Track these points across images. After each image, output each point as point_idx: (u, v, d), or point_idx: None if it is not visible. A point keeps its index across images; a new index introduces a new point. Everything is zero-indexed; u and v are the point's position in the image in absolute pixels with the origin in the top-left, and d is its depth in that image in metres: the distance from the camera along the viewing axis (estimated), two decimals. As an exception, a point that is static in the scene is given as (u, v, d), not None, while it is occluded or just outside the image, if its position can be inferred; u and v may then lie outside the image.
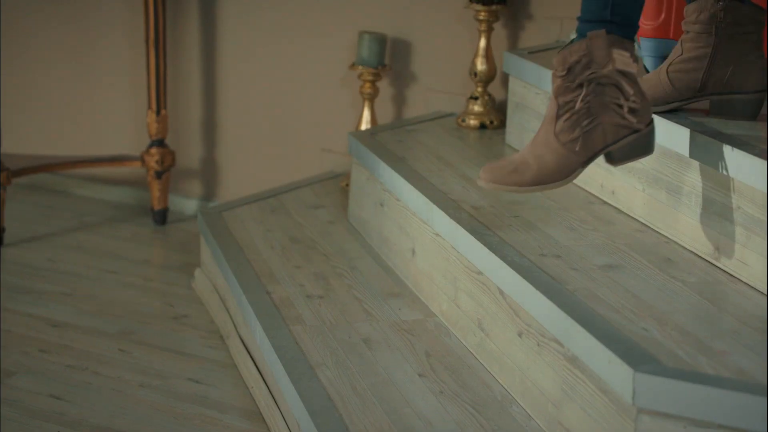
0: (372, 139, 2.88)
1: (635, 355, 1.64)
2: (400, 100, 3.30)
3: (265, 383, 2.34)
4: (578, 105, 1.95)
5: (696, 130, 2.02)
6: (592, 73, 1.95)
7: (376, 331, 2.29)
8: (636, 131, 1.97)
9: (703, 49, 2.09)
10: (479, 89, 3.05)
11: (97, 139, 3.71)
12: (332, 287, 2.51)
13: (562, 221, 2.25)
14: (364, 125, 3.18)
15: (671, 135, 2.07)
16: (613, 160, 2.00)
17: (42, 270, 3.09)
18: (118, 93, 3.66)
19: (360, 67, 3.15)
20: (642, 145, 1.98)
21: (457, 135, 2.97)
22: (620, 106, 1.95)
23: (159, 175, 3.43)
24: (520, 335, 1.99)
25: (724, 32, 2.08)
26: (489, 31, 3.02)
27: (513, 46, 3.13)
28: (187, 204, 3.61)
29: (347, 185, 3.19)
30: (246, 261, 2.66)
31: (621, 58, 1.94)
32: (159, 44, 3.33)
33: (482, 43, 3.02)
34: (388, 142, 2.85)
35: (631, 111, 1.96)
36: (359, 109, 3.32)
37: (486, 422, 1.93)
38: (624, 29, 1.95)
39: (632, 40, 1.98)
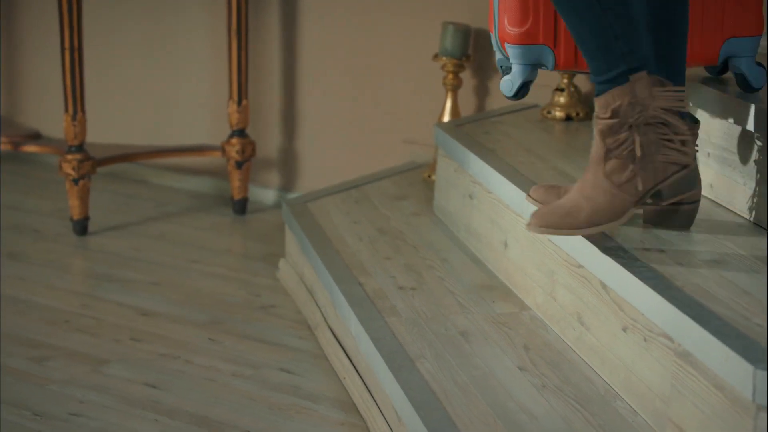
0: (459, 130, 2.87)
1: (754, 351, 1.62)
2: (482, 92, 3.29)
3: (359, 375, 2.34)
4: (634, 147, 1.95)
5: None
6: (639, 117, 1.95)
7: (472, 324, 2.28)
8: (685, 166, 1.99)
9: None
10: (565, 81, 3.03)
11: (177, 129, 3.73)
12: (424, 279, 2.51)
13: (660, 215, 2.22)
14: (447, 116, 3.17)
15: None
16: (662, 198, 2.02)
17: (127, 259, 3.11)
18: (199, 83, 3.68)
19: (443, 58, 3.14)
20: (690, 180, 2.01)
21: (542, 127, 2.95)
22: (670, 141, 1.97)
23: (239, 165, 3.44)
24: (624, 330, 1.97)
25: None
26: (576, 23, 3.00)
27: (599, 38, 3.10)
28: (265, 194, 3.62)
29: (430, 176, 3.19)
30: (335, 252, 2.66)
31: (664, 95, 1.95)
32: (241, 34, 3.34)
33: (569, 34, 3.00)
34: (475, 133, 2.84)
35: (682, 144, 1.98)
36: (441, 100, 3.31)
37: (591, 417, 1.91)
38: (650, 67, 1.96)
39: (673, 82, 1.98)
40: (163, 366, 2.48)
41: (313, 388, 2.40)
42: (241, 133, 3.44)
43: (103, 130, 3.74)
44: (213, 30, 3.60)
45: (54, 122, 3.80)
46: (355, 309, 2.33)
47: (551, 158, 2.63)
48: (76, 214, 3.26)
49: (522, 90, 2.22)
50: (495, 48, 2.29)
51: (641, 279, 1.89)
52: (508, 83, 2.22)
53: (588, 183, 1.99)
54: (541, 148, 2.73)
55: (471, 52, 3.23)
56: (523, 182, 2.41)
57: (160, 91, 3.74)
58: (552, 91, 3.06)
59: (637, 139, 1.96)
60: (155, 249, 3.18)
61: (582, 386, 2.02)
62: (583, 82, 3.09)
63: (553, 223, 1.98)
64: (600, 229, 1.98)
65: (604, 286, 2.04)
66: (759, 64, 2.23)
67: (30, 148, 3.53)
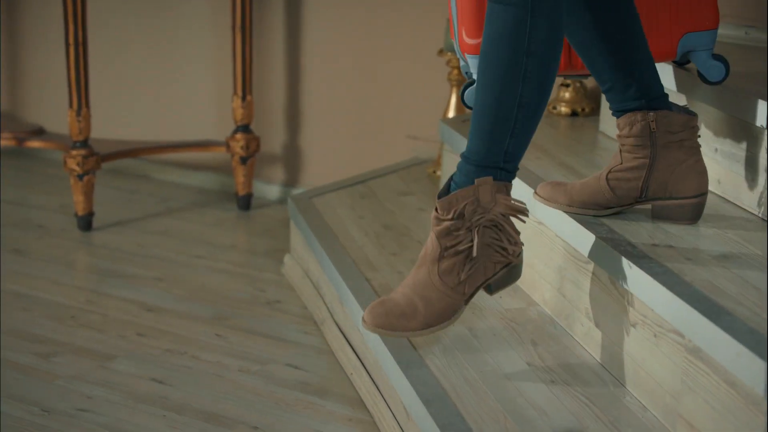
0: (464, 126, 2.86)
1: (765, 347, 1.62)
2: (487, 87, 3.28)
3: (366, 371, 2.34)
4: (472, 250, 1.97)
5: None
6: (479, 218, 1.98)
7: (480, 320, 2.28)
8: (508, 264, 2.02)
9: (641, 159, 2.12)
10: (571, 76, 3.03)
11: (182, 125, 3.72)
12: (430, 275, 2.50)
13: (668, 211, 2.22)
14: (452, 112, 3.17)
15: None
16: (490, 291, 2.04)
17: (132, 254, 3.11)
18: (204, 78, 3.67)
19: (448, 54, 3.14)
20: (514, 273, 2.04)
21: (548, 122, 2.95)
22: (503, 248, 2.00)
23: (244, 160, 3.44)
24: (634, 326, 1.97)
25: (659, 141, 2.11)
26: (581, 18, 2.99)
27: (604, 33, 3.09)
28: (269, 189, 3.62)
29: (434, 172, 3.18)
30: (341, 248, 2.66)
31: (505, 203, 1.99)
32: (246, 30, 3.34)
33: (574, 29, 3.00)
34: (481, 129, 2.83)
35: (513, 243, 2.01)
36: (446, 96, 3.31)
37: (601, 413, 1.91)
38: (511, 174, 2.00)
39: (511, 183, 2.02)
40: (169, 362, 2.48)
41: (320, 383, 2.40)
42: (245, 128, 3.43)
43: (107, 126, 3.74)
44: (217, 25, 3.60)
45: (57, 117, 3.80)
46: (363, 305, 2.32)
47: (558, 154, 2.63)
48: (81, 210, 3.26)
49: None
50: (458, 56, 2.30)
51: (651, 275, 1.89)
52: (472, 95, 2.23)
53: (421, 281, 1.99)
54: (548, 144, 2.72)
55: (476, 47, 3.22)
56: (530, 178, 2.41)
57: (165, 86, 3.74)
58: (557, 86, 3.06)
59: (477, 239, 1.97)
60: (160, 244, 3.18)
61: (591, 382, 2.02)
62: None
63: (387, 324, 1.98)
64: (434, 331, 2.00)
65: (613, 282, 2.04)
66: (717, 57, 2.24)
67: (34, 143, 3.52)
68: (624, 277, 1.97)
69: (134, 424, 2.21)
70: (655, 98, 2.12)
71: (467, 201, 1.96)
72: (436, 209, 1.98)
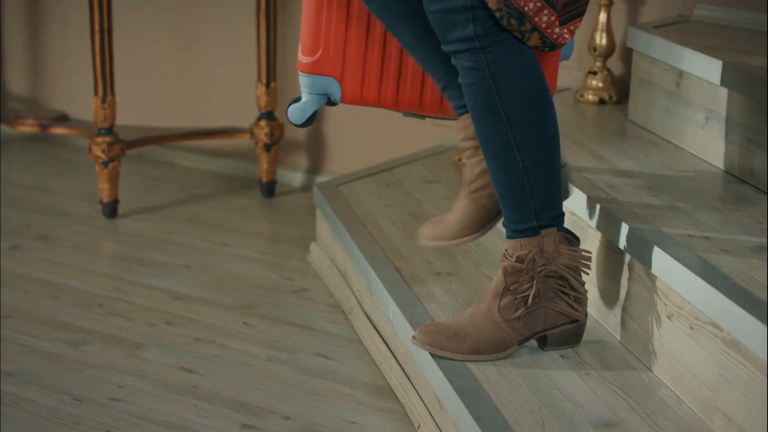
0: (492, 114, 2.85)
1: (807, 341, 1.61)
2: (513, 75, 3.27)
3: (397, 360, 2.34)
4: (528, 294, 2.02)
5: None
6: (543, 268, 2.02)
7: (511, 310, 2.27)
8: (575, 321, 2.06)
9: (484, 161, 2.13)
10: (598, 64, 3.01)
11: (205, 112, 3.72)
12: (460, 264, 2.50)
13: (702, 201, 2.21)
14: (478, 99, 3.15)
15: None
16: (545, 344, 2.07)
17: (157, 242, 3.11)
18: (228, 65, 3.66)
19: (475, 41, 3.12)
20: (575, 335, 2.08)
21: (576, 110, 2.93)
22: (566, 294, 2.05)
23: (268, 147, 3.43)
24: (669, 318, 1.96)
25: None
26: (609, 5, 2.98)
27: (632, 21, 3.08)
28: (292, 177, 3.62)
29: (460, 160, 3.17)
30: (370, 236, 2.65)
31: (569, 254, 2.04)
32: (270, 16, 3.33)
33: (602, 17, 2.98)
34: (509, 117, 2.82)
35: (576, 301, 2.06)
36: (471, 83, 3.29)
37: (637, 405, 1.90)
38: (559, 222, 2.04)
39: (576, 237, 2.07)
40: (198, 350, 2.48)
41: (349, 372, 2.39)
42: (269, 115, 3.42)
43: (130, 112, 3.73)
44: (242, 12, 3.58)
45: (81, 104, 3.80)
46: (393, 295, 2.32)
47: (587, 142, 2.62)
48: (106, 197, 3.26)
49: (311, 118, 2.25)
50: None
51: (687, 266, 1.88)
52: (299, 111, 2.25)
53: (481, 311, 2.05)
54: (576, 132, 2.71)
55: (502, 34, 3.20)
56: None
57: (189, 73, 3.73)
58: (585, 74, 3.04)
59: (534, 288, 2.03)
60: (185, 232, 3.18)
61: (625, 374, 2.01)
62: (615, 64, 3.07)
63: (436, 342, 2.03)
64: (481, 359, 2.03)
65: (647, 273, 2.03)
66: None
67: (58, 130, 3.52)
68: (659, 269, 1.96)
69: (166, 414, 2.21)
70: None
71: (531, 249, 2.02)
72: (506, 249, 2.04)
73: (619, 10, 3.07)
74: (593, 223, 2.20)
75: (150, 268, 2.92)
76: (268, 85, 3.38)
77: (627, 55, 3.03)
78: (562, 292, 2.05)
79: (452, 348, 2.02)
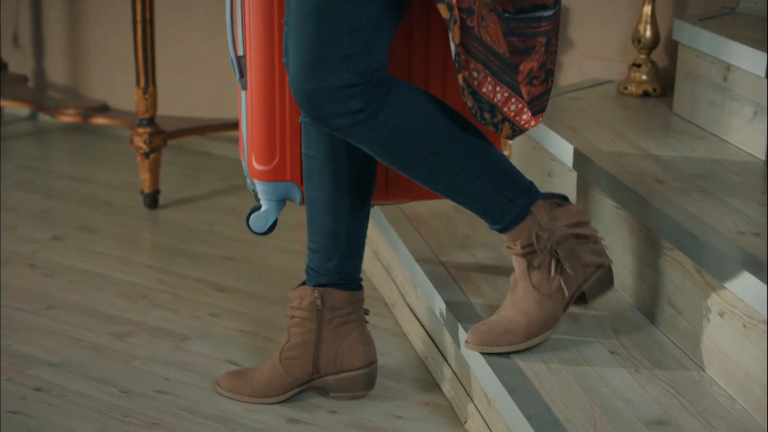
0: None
1: None
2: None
3: (442, 355, 2.34)
4: (552, 271, 2.04)
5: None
6: (549, 240, 2.04)
7: (558, 305, 2.26)
8: (601, 266, 2.08)
9: (308, 334, 2.17)
10: (642, 56, 2.99)
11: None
12: (504, 259, 2.49)
13: (750, 197, 2.19)
14: (520, 91, 3.14)
15: None
16: (586, 299, 2.09)
17: (199, 233, 3.11)
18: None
19: (517, 33, 3.10)
20: (607, 279, 2.09)
21: (619, 103, 2.91)
22: (585, 246, 2.06)
23: (308, 138, 3.43)
24: (721, 315, 1.95)
25: (326, 317, 2.17)
26: (654, -3, 2.96)
27: (676, 13, 3.06)
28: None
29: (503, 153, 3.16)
30: (413, 230, 2.65)
31: (565, 213, 2.05)
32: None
33: (647, 9, 2.96)
34: (551, 110, 2.81)
35: (595, 247, 2.07)
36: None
37: (688, 404, 1.89)
38: (535, 192, 2.05)
39: (562, 196, 2.09)
40: (243, 343, 2.48)
41: (394, 366, 2.39)
42: (309, 106, 3.42)
43: (169, 103, 3.74)
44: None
45: (121, 94, 3.81)
46: (439, 290, 2.32)
47: (632, 136, 2.60)
48: (147, 188, 3.27)
49: (273, 225, 2.28)
50: (246, 174, 2.31)
51: (740, 264, 1.86)
52: (261, 220, 2.27)
53: (519, 297, 2.06)
54: (621, 126, 2.70)
55: (544, 26, 3.19)
56: (606, 160, 2.39)
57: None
58: (628, 66, 3.02)
59: (554, 261, 2.04)
60: (226, 223, 3.19)
61: (675, 371, 2.00)
62: (660, 56, 3.05)
63: (491, 340, 2.04)
64: (538, 341, 2.05)
65: (697, 269, 2.02)
66: None
67: (99, 120, 3.53)
68: (710, 266, 1.95)
69: (213, 407, 2.22)
70: (348, 281, 2.18)
71: (530, 230, 2.03)
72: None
73: (664, 1, 3.05)
74: (641, 218, 2.19)
75: (193, 260, 2.92)
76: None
77: (671, 47, 3.01)
78: (583, 245, 2.05)
79: (509, 341, 2.03)
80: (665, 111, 2.83)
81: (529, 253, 2.04)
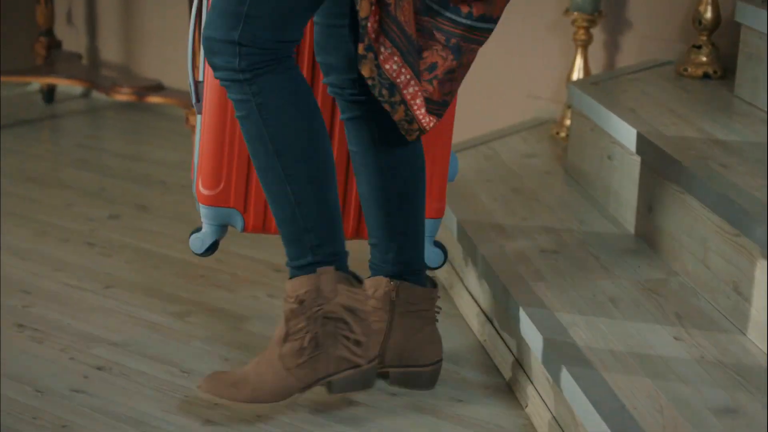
0: (595, 89, 2.81)
1: None
2: (612, 48, 3.23)
3: (501, 339, 2.33)
4: (306, 337, 2.00)
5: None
6: (319, 308, 1.99)
7: (620, 290, 2.25)
8: (357, 366, 2.02)
9: (378, 323, 2.15)
10: (703, 38, 2.96)
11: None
12: (564, 242, 2.48)
13: (818, 182, 2.17)
14: (577, 73, 3.11)
15: None
16: (331, 389, 2.05)
17: (254, 212, 3.11)
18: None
19: (575, 13, 3.08)
20: (361, 380, 2.04)
21: (679, 85, 2.88)
22: (347, 338, 2.02)
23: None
24: (790, 303, 1.93)
25: (398, 310, 2.14)
26: (716, -22, 2.92)
27: (738, -7, 3.01)
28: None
29: (558, 133, 3.14)
30: (472, 212, 2.63)
31: (348, 294, 2.01)
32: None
33: (708, -10, 2.92)
34: (612, 92, 2.79)
35: (356, 344, 2.02)
36: (568, 56, 3.26)
37: (756, 391, 1.88)
38: (337, 261, 2.01)
39: (359, 279, 2.04)
40: (301, 324, 2.48)
41: (452, 349, 2.39)
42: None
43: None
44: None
45: (174, 73, 3.81)
46: (500, 273, 2.30)
47: (694, 119, 2.58)
48: (202, 167, 3.27)
49: (212, 247, 2.26)
50: (194, 197, 2.31)
51: (811, 252, 1.84)
52: (198, 241, 2.26)
53: (265, 358, 2.04)
54: (682, 108, 2.67)
55: (603, 7, 3.16)
56: (670, 145, 2.37)
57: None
58: (688, 47, 2.99)
59: (311, 331, 2.00)
60: (280, 203, 3.18)
61: (742, 359, 1.98)
62: (720, 38, 3.01)
63: (215, 389, 2.03)
64: (261, 403, 2.03)
65: (764, 255, 1.99)
66: (437, 244, 2.31)
67: (155, 99, 3.54)
68: (779, 253, 1.93)
69: (273, 388, 2.22)
70: (410, 271, 2.15)
71: (308, 288, 1.99)
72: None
73: (725, -18, 3.02)
74: (708, 203, 2.17)
75: (249, 240, 2.92)
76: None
77: (732, 29, 2.97)
78: (343, 335, 2.02)
79: (231, 395, 2.02)
80: (726, 93, 2.80)
81: (295, 314, 2.00)
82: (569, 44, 3.24)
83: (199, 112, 2.23)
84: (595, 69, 3.21)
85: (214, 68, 1.93)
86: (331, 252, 2.01)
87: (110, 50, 4.06)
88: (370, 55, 1.90)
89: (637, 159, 2.49)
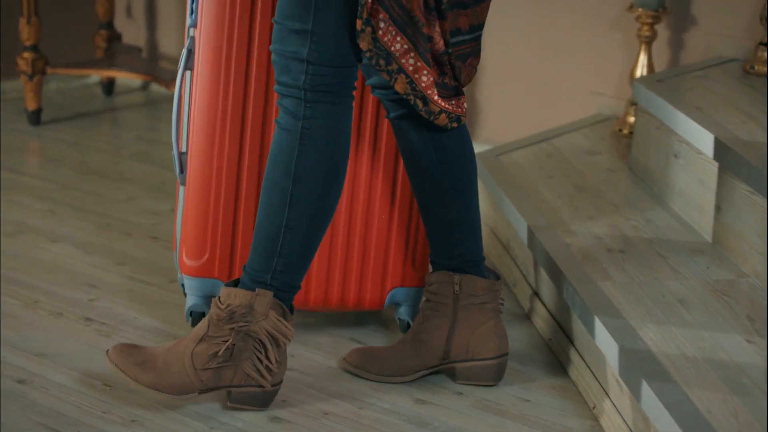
0: (660, 86, 2.79)
1: None
2: (676, 45, 3.19)
3: (568, 338, 2.31)
4: (223, 346, 2.01)
5: None
6: (244, 325, 2.02)
7: (689, 291, 2.23)
8: (260, 387, 2.06)
9: (442, 318, 2.14)
10: (770, 35, 2.92)
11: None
12: (631, 241, 2.46)
13: None
14: (640, 70, 3.09)
15: None
16: (228, 399, 2.07)
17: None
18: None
19: (639, 9, 3.05)
20: (260, 399, 2.07)
21: (746, 83, 2.85)
22: (260, 360, 2.03)
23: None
24: None
25: (461, 303, 2.14)
26: (784, -26, 2.88)
27: (806, -10, 2.97)
28: (443, 142, 3.59)
29: (620, 130, 3.12)
30: (536, 209, 2.62)
31: (275, 321, 2.01)
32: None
33: (776, -14, 2.89)
34: (678, 89, 2.76)
35: (267, 370, 2.05)
36: (631, 52, 3.23)
37: (832, 397, 1.85)
38: (285, 294, 2.04)
39: (291, 309, 2.09)
40: (365, 322, 2.48)
41: (518, 348, 2.38)
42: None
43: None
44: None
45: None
46: (567, 272, 2.29)
47: (762, 117, 2.55)
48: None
49: (198, 318, 2.30)
50: (176, 268, 2.33)
51: None
52: (187, 311, 2.31)
53: (177, 350, 2.05)
54: (750, 107, 2.64)
55: (667, 3, 3.13)
56: (739, 144, 2.34)
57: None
58: (755, 45, 2.95)
59: (230, 342, 2.02)
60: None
61: (816, 362, 1.96)
62: (787, 36, 2.98)
63: (122, 363, 2.04)
64: (157, 393, 2.03)
65: (840, 259, 1.97)
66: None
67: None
68: None
69: (339, 386, 2.21)
70: (469, 262, 2.15)
71: (243, 303, 2.02)
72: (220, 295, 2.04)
73: (793, -22, 2.97)
74: (780, 205, 2.14)
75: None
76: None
77: (800, 25, 2.93)
78: (257, 357, 2.04)
79: (134, 375, 2.03)
80: (795, 92, 2.77)
81: (218, 320, 2.02)
82: (632, 40, 3.21)
83: (183, 183, 2.26)
84: (659, 66, 3.18)
85: (280, 84, 1.99)
86: (289, 282, 2.05)
87: (169, 43, 4.08)
88: (368, 29, 1.94)
89: (705, 158, 2.47)
